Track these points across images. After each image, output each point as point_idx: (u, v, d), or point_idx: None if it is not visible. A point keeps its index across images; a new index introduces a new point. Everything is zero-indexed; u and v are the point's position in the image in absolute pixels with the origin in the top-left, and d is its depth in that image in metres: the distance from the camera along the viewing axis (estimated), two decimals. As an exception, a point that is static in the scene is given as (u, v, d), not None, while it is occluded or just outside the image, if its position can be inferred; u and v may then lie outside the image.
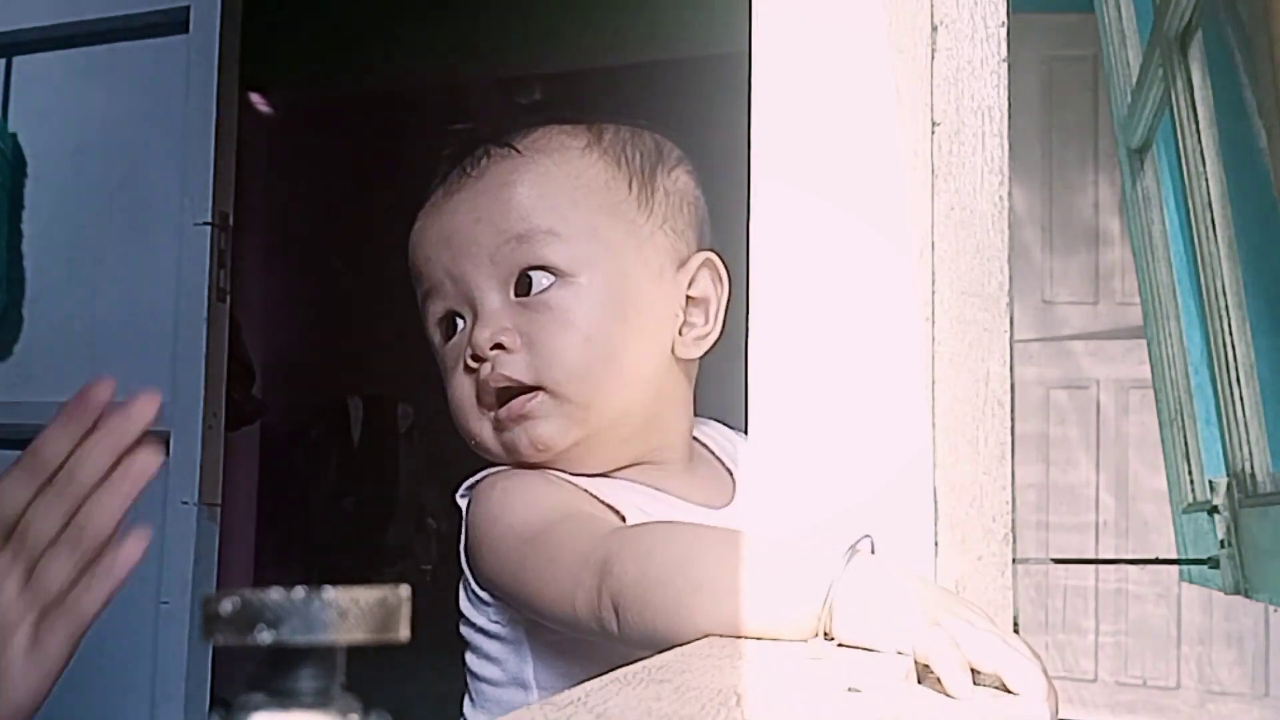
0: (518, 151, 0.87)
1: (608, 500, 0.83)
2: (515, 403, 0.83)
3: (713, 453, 0.96)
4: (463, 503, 0.86)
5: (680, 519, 0.83)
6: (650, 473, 0.88)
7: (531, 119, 0.91)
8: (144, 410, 0.77)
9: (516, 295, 0.84)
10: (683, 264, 0.89)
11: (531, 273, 0.84)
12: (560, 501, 0.81)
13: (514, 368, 0.83)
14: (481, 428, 0.86)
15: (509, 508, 0.81)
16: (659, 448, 0.89)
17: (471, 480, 0.87)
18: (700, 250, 0.91)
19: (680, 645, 0.62)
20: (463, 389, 0.86)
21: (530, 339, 0.83)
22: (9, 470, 0.77)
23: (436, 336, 0.89)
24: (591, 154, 0.88)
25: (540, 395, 0.83)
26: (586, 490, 0.84)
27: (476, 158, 0.88)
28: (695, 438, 0.95)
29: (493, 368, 0.83)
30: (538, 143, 0.89)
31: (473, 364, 0.85)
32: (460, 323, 0.87)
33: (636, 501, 0.84)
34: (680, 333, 0.88)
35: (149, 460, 0.77)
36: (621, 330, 0.84)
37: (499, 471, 0.86)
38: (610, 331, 0.84)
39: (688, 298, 0.89)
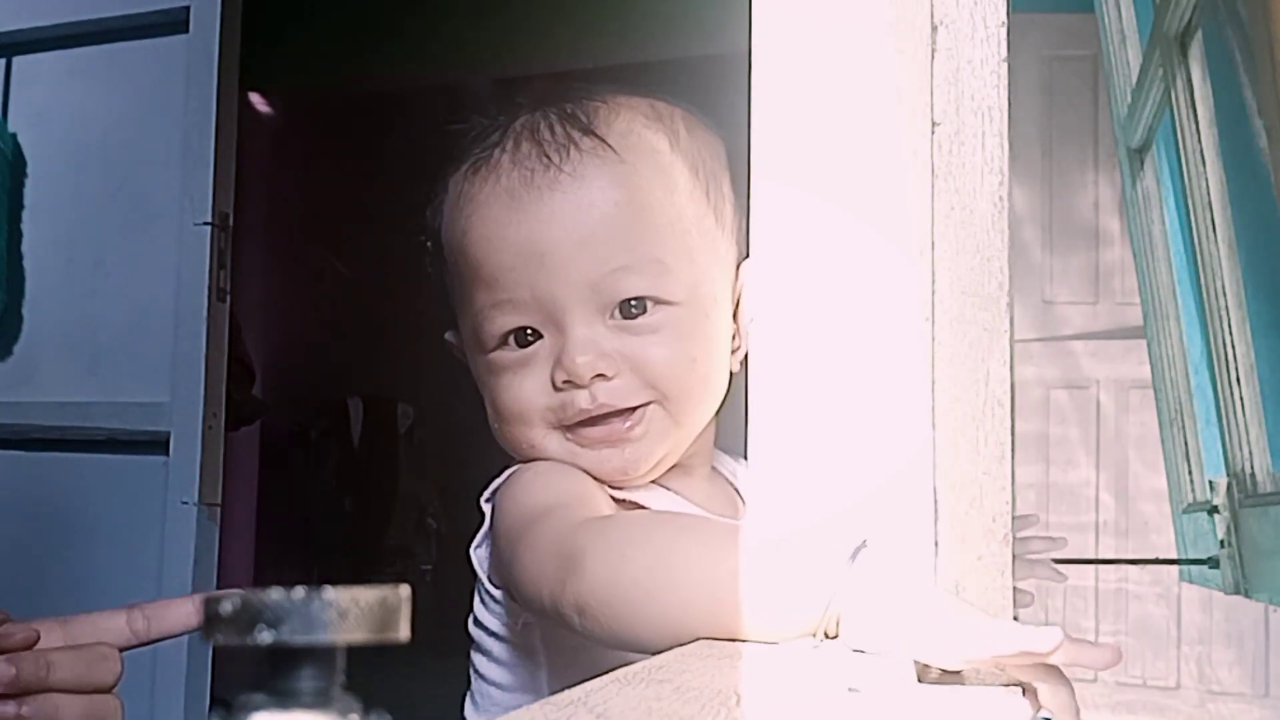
0: (611, 149, 0.81)
1: (632, 501, 0.83)
2: (617, 424, 0.81)
3: (717, 470, 0.95)
4: (486, 507, 0.84)
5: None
6: (677, 478, 0.87)
7: (593, 89, 0.85)
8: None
9: (614, 317, 0.81)
10: (736, 270, 0.87)
11: (634, 300, 0.81)
12: (567, 489, 0.78)
13: (620, 395, 0.80)
14: (547, 440, 0.82)
15: (524, 492, 0.79)
16: (692, 454, 0.88)
17: (498, 481, 0.85)
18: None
19: (657, 648, 0.60)
20: (530, 400, 0.82)
21: (634, 361, 0.81)
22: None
23: (493, 341, 0.83)
24: (675, 157, 0.84)
25: (648, 411, 0.81)
26: (610, 494, 0.82)
27: (561, 145, 0.81)
28: None
29: (593, 397, 0.80)
30: (628, 141, 0.82)
31: (562, 386, 0.81)
32: (533, 336, 0.82)
33: (660, 507, 0.84)
34: (734, 348, 0.86)
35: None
36: (714, 353, 0.84)
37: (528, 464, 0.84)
38: (708, 355, 0.83)
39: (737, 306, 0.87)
